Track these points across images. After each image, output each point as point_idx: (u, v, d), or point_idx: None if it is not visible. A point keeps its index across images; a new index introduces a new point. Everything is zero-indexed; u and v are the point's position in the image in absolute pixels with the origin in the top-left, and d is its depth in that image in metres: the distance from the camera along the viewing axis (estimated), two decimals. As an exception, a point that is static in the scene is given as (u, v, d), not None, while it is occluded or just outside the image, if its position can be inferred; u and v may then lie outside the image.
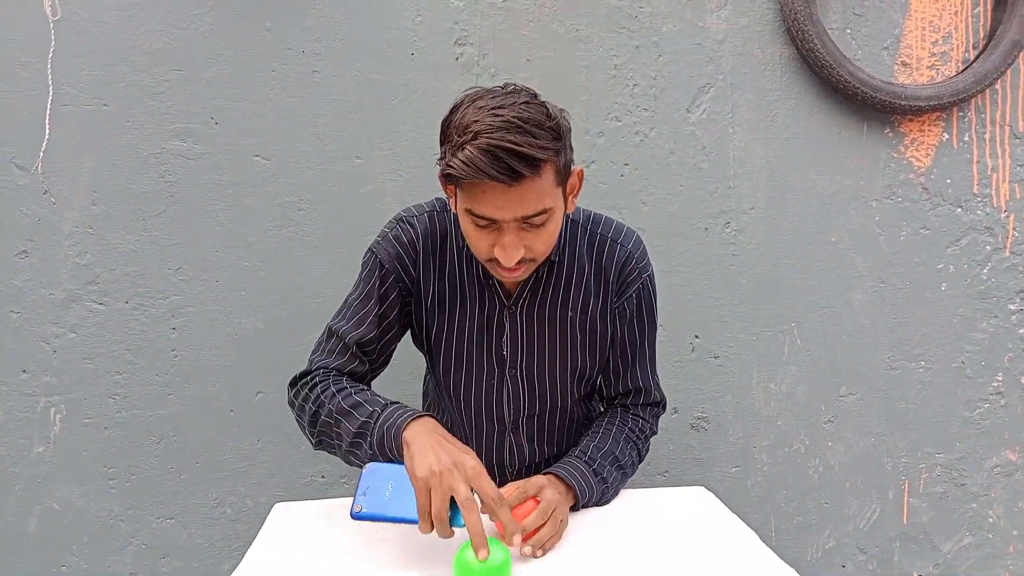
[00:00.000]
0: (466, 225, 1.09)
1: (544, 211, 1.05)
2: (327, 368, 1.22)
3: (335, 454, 1.17)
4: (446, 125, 1.06)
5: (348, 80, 1.72)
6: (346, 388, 1.16)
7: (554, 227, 1.09)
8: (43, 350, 1.68)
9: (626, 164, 1.78)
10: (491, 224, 1.05)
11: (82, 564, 1.72)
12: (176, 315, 1.71)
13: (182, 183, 1.69)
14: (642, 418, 1.34)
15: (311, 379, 1.21)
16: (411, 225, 1.24)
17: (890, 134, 1.86)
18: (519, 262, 1.09)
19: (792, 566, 0.98)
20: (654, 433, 1.37)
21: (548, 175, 1.04)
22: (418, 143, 1.74)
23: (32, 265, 1.67)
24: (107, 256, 1.68)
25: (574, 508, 1.19)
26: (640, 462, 1.32)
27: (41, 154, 1.65)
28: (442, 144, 1.07)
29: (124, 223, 1.68)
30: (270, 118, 1.70)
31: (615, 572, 0.97)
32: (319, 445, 1.19)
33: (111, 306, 1.69)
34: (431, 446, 0.99)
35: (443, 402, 1.35)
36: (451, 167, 1.01)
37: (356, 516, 0.96)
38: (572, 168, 1.12)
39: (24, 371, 1.68)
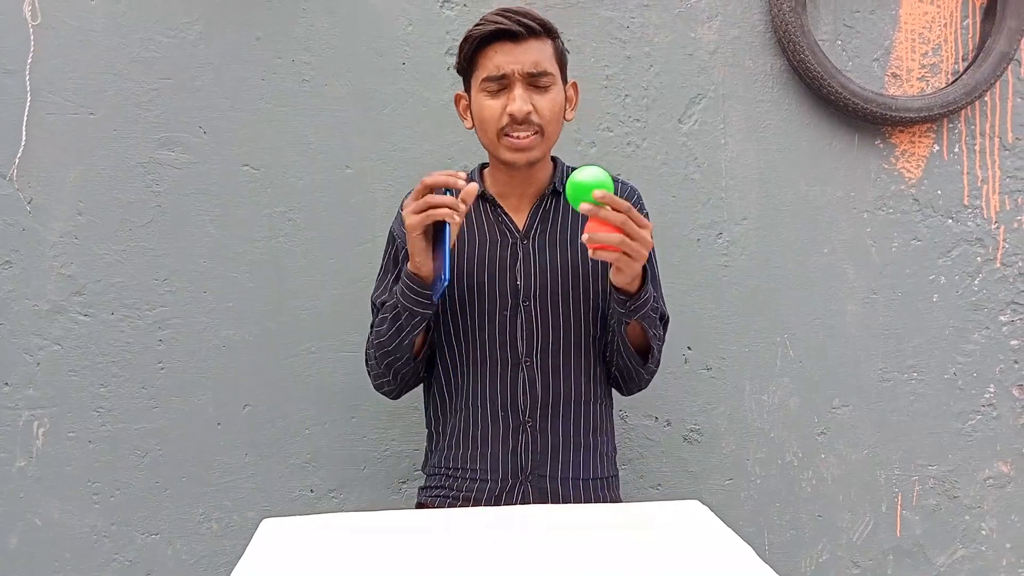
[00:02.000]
0: (481, 103, 1.28)
1: (547, 74, 1.26)
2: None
3: (415, 362, 1.35)
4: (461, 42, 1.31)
5: (338, 89, 1.71)
6: (372, 329, 1.37)
7: (557, 97, 1.29)
8: (26, 362, 1.65)
9: (618, 174, 1.77)
10: (502, 87, 1.25)
11: (64, 581, 1.69)
12: (163, 327, 1.68)
13: (170, 193, 1.67)
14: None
15: (365, 355, 1.41)
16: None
17: (881, 145, 1.86)
18: (529, 132, 1.25)
19: (788, 581, 0.97)
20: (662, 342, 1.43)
21: (548, 48, 1.27)
22: (409, 152, 1.73)
23: (15, 276, 1.64)
24: (92, 267, 1.66)
25: (634, 298, 1.24)
26: (661, 347, 1.39)
27: (16, 161, 1.62)
28: (459, 53, 1.31)
29: (110, 233, 1.66)
30: (259, 127, 1.69)
31: (610, 588, 0.96)
32: (393, 374, 1.36)
33: (96, 317, 1.67)
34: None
35: (454, 348, 1.38)
36: (471, 32, 1.26)
37: (447, 278, 1.17)
38: (569, 79, 1.36)
39: (6, 384, 1.65)
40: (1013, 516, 1.95)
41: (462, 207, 1.15)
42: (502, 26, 1.23)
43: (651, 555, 1.06)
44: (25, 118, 1.63)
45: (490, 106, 1.27)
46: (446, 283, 1.18)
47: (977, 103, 1.87)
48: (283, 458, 1.73)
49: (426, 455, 1.48)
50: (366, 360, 1.42)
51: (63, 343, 1.66)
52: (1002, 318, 1.92)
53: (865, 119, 1.81)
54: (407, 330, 1.28)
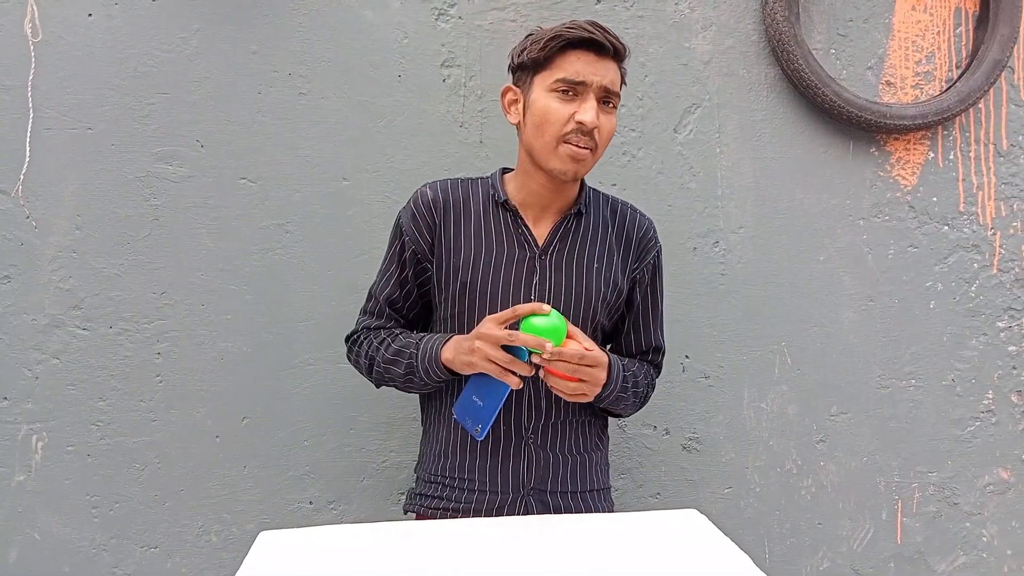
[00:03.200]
0: (547, 102, 1.24)
1: (616, 95, 1.27)
2: (368, 328, 1.41)
3: (394, 387, 1.40)
4: (519, 47, 1.29)
5: (334, 102, 1.71)
6: (385, 340, 1.36)
7: (615, 123, 1.30)
8: (25, 376, 1.66)
9: (614, 184, 1.78)
10: (576, 94, 1.23)
11: (63, 595, 1.68)
12: (161, 340, 1.68)
13: (167, 206, 1.68)
14: (655, 368, 1.51)
15: (356, 338, 1.42)
16: (429, 188, 1.38)
17: (876, 153, 1.87)
18: (589, 145, 1.25)
19: (787, 590, 0.96)
20: (656, 378, 1.52)
21: (619, 72, 1.28)
22: (405, 165, 1.73)
23: (14, 290, 1.64)
24: (91, 281, 1.66)
25: (598, 398, 1.30)
26: (646, 401, 1.47)
27: (22, 177, 1.63)
28: (521, 52, 1.28)
29: (108, 247, 1.67)
30: (256, 140, 1.69)
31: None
32: (379, 386, 1.43)
33: (94, 331, 1.67)
34: (462, 351, 1.23)
35: None
36: (559, 31, 1.22)
37: (483, 433, 1.22)
38: None
39: (5, 398, 1.65)
40: (1014, 522, 1.95)
41: (527, 374, 1.20)
42: (594, 36, 1.22)
43: (649, 565, 1.06)
44: (28, 135, 1.63)
45: (557, 109, 1.23)
46: (480, 438, 1.24)
47: (971, 110, 1.87)
48: (282, 470, 1.73)
49: (419, 457, 1.47)
50: (356, 354, 1.42)
51: (61, 357, 1.66)
52: (999, 324, 1.92)
53: (860, 127, 1.81)
54: (417, 387, 1.35)
